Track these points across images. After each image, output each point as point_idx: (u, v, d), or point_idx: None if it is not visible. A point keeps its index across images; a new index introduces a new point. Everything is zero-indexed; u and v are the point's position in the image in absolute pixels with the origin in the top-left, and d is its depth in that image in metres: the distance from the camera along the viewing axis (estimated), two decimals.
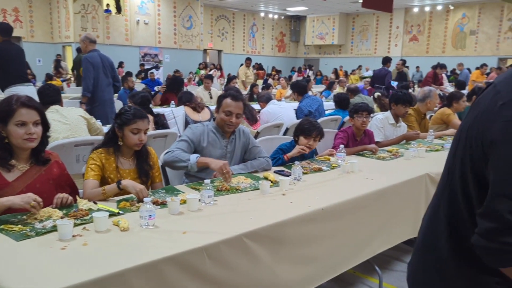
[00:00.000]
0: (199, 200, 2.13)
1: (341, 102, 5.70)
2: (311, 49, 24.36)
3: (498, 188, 0.90)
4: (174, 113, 4.82)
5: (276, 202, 2.25)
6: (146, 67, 13.99)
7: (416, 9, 19.64)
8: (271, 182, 2.57)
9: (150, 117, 3.97)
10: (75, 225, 1.78)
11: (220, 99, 2.91)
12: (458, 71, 13.30)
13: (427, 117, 4.86)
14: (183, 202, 2.11)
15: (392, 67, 9.97)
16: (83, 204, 2.01)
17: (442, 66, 10.20)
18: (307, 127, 3.18)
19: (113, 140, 2.42)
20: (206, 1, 18.41)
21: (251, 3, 19.30)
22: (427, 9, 19.35)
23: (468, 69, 13.91)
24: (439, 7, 18.87)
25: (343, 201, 2.34)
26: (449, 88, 9.96)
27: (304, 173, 2.84)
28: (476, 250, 0.95)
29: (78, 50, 11.15)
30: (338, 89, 10.11)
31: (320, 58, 23.94)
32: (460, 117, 4.88)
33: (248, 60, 11.15)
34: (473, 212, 0.99)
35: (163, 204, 2.12)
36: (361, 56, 22.03)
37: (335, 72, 16.81)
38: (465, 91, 7.66)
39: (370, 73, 17.97)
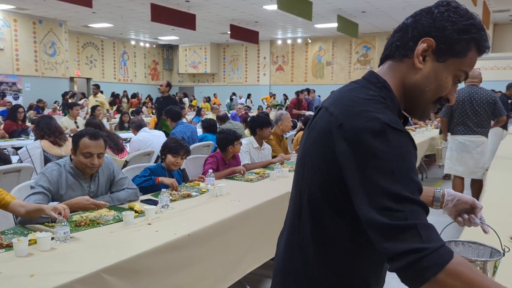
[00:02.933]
0: (53, 238, 1.95)
1: (210, 128, 5.93)
2: (185, 77, 24.57)
3: (375, 203, 0.90)
4: (30, 151, 4.08)
5: (141, 233, 2.18)
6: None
7: (279, 42, 21.26)
8: (136, 212, 2.49)
9: None
10: None
11: (76, 138, 2.64)
12: (311, 98, 14.28)
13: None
14: (34, 242, 1.92)
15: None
16: None
17: (303, 92, 11.11)
18: (174, 146, 3.27)
19: None
20: (70, 28, 17.39)
21: (120, 31, 18.81)
22: (289, 41, 21.09)
23: (319, 95, 15.38)
24: (299, 40, 20.72)
25: (210, 225, 2.36)
26: (310, 112, 10.90)
27: (173, 200, 2.82)
28: (401, 279, 0.87)
29: None
30: (211, 115, 10.50)
31: (195, 86, 24.27)
32: None
33: (95, 86, 10.75)
34: (335, 229, 1.02)
35: (8, 247, 1.89)
36: (233, 84, 22.92)
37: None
38: None
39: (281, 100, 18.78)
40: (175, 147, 3.28)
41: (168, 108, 5.95)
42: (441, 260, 0.83)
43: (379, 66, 1.13)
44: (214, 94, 19.99)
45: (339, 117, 0.98)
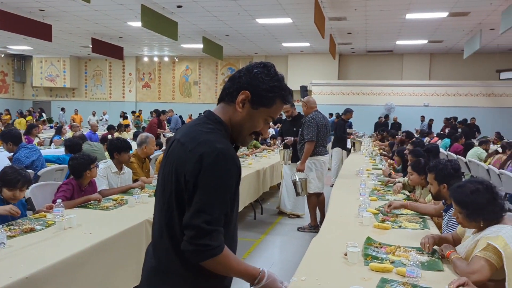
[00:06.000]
0: None
1: (74, 147, 5.45)
2: (41, 91, 22.44)
3: (195, 208, 1.32)
4: None
5: None
6: None
7: (146, 58, 20.84)
8: None
9: None
10: None
11: None
12: (170, 117, 13.82)
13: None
14: None
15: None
16: None
17: (164, 113, 11.08)
18: (11, 177, 2.93)
19: None
20: None
21: None
22: (155, 59, 20.82)
23: (180, 116, 15.66)
24: (166, 58, 20.61)
25: (54, 263, 2.17)
26: (169, 134, 10.78)
27: (11, 237, 2.53)
28: (185, 254, 1.34)
29: None
30: (70, 134, 9.80)
31: (52, 101, 22.29)
32: None
33: None
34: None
35: None
36: (96, 100, 21.68)
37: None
38: None
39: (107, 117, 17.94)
40: (12, 179, 2.92)
41: (5, 132, 5.29)
42: (217, 252, 1.33)
43: (217, 105, 1.52)
44: (75, 110, 18.58)
45: (188, 145, 1.36)
